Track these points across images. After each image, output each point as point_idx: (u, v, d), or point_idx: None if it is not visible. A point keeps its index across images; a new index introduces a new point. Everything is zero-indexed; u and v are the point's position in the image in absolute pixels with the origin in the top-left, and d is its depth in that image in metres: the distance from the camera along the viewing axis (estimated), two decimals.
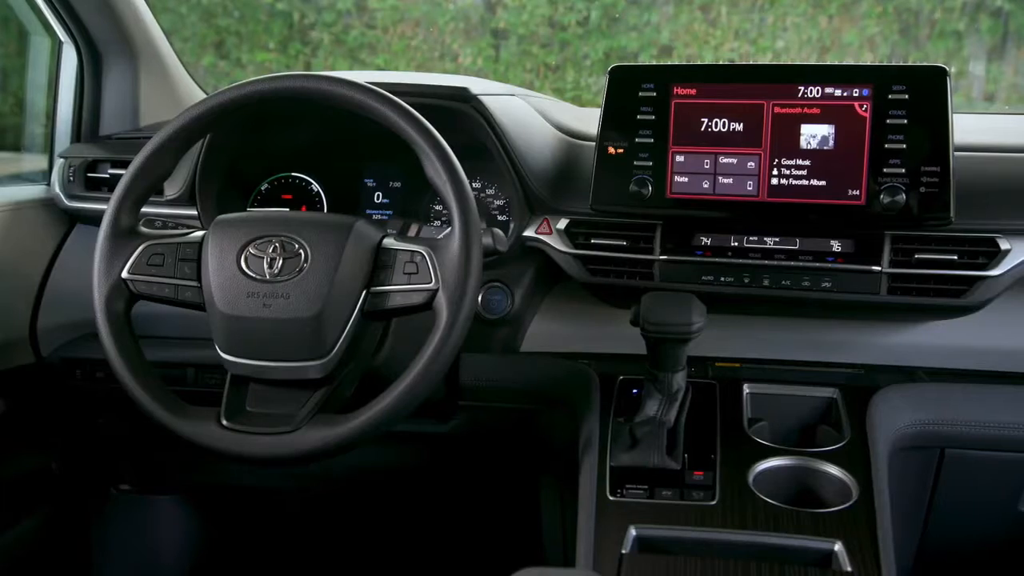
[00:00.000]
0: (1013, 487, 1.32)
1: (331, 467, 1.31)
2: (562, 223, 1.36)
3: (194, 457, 1.11)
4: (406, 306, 1.09)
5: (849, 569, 1.01)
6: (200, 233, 1.15)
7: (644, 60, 4.03)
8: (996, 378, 1.34)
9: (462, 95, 1.35)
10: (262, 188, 1.54)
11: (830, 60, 3.83)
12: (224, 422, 1.09)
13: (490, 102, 1.36)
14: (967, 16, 3.68)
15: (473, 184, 1.44)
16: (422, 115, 1.11)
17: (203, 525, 1.80)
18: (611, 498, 1.13)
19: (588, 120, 1.43)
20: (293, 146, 1.53)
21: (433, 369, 1.05)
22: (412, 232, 1.43)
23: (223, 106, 1.15)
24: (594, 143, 1.32)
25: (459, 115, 1.35)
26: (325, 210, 1.52)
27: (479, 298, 1.41)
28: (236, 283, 1.09)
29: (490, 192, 1.45)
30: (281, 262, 1.09)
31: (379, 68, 3.96)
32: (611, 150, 1.31)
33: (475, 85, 1.38)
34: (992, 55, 3.76)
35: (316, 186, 1.52)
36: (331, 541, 1.77)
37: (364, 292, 1.10)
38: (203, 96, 1.39)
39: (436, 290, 1.07)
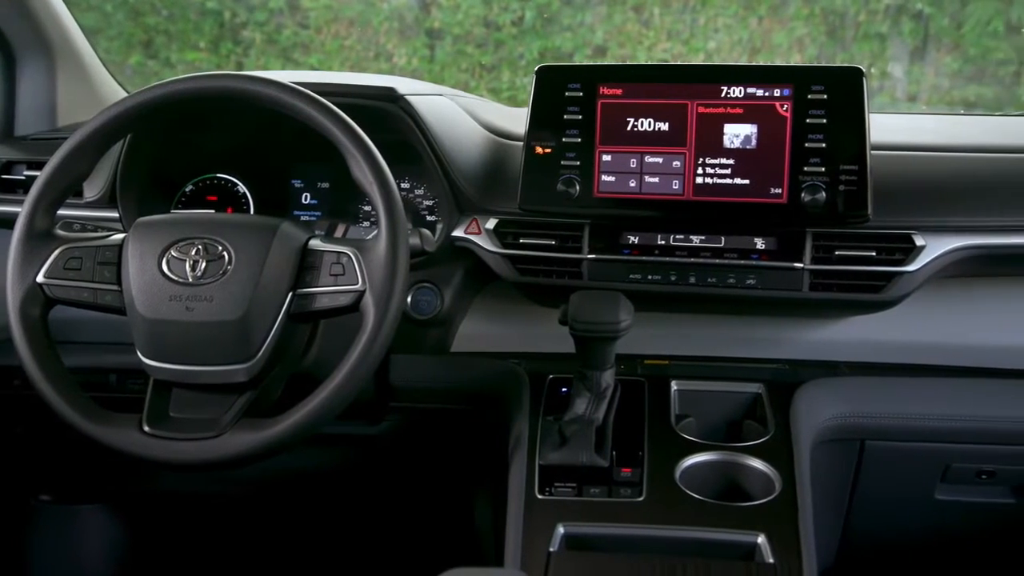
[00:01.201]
0: (930, 476, 1.36)
1: (259, 471, 1.29)
2: (491, 223, 1.36)
3: (117, 465, 1.09)
4: (333, 308, 1.09)
5: (771, 561, 1.03)
6: (120, 236, 1.12)
7: (578, 60, 4.05)
8: (914, 371, 1.38)
9: (388, 95, 1.34)
10: (187, 189, 1.51)
11: (760, 61, 3.91)
12: (146, 428, 1.07)
13: (417, 102, 1.35)
14: (890, 19, 3.77)
15: (402, 184, 1.43)
16: (348, 115, 1.11)
17: (128, 534, 1.77)
18: (540, 497, 1.14)
19: (517, 120, 1.44)
20: (219, 146, 1.51)
21: (360, 371, 1.04)
22: (339, 233, 1.42)
23: (143, 106, 1.12)
24: (522, 143, 1.33)
25: (386, 115, 1.34)
26: (252, 212, 1.49)
27: (408, 299, 1.41)
28: (158, 286, 1.07)
29: (419, 192, 1.45)
30: (204, 265, 1.08)
31: (313, 68, 3.92)
32: (538, 150, 1.32)
33: (402, 85, 1.37)
34: (914, 57, 3.86)
35: (242, 187, 1.50)
36: (261, 546, 1.75)
37: (290, 294, 1.08)
38: (125, 95, 1.36)
39: (363, 291, 1.07)
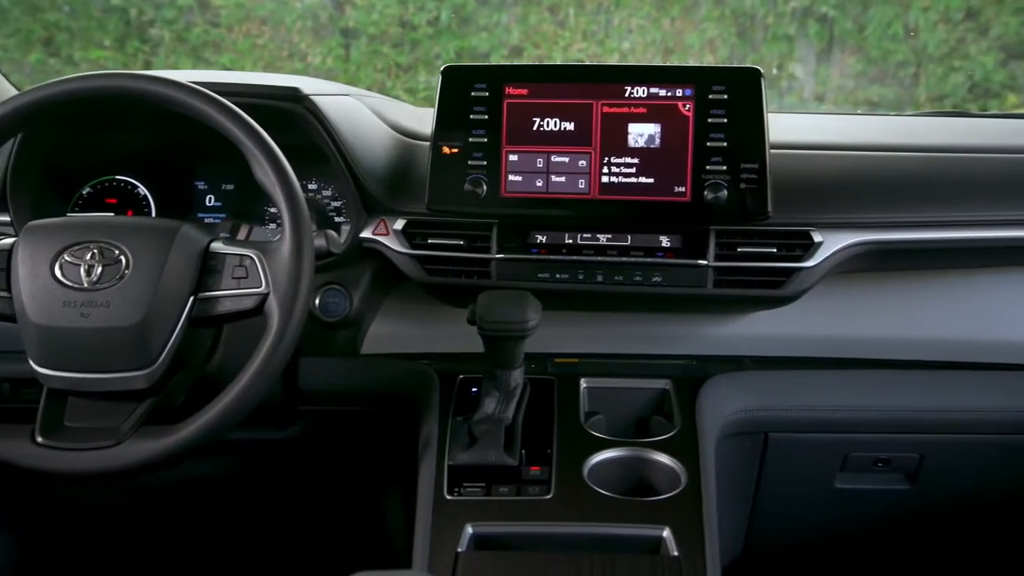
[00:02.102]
0: (830, 466, 1.40)
1: (162, 480, 1.27)
2: (399, 224, 1.36)
3: (8, 477, 1.05)
4: (236, 311, 1.07)
5: (676, 554, 1.05)
6: (10, 240, 1.09)
7: (495, 61, 4.05)
8: (815, 364, 1.42)
9: (292, 95, 1.32)
10: (84, 192, 1.46)
11: (674, 61, 3.96)
12: (39, 439, 1.04)
13: (322, 102, 1.34)
14: (797, 21, 3.86)
15: (309, 186, 1.42)
16: (251, 116, 1.09)
17: (21, 547, 1.70)
18: (448, 497, 1.13)
19: (424, 120, 1.43)
20: (119, 147, 1.47)
21: (265, 375, 1.03)
22: (242, 235, 1.40)
23: (33, 105, 1.09)
24: (429, 143, 1.32)
25: (291, 116, 1.33)
26: (153, 215, 1.46)
27: (316, 301, 1.39)
28: (50, 292, 1.04)
29: (326, 194, 1.43)
30: (100, 269, 1.05)
31: (225, 67, 3.84)
32: (445, 150, 1.32)
33: (306, 85, 1.35)
34: (820, 58, 3.97)
35: (143, 189, 1.46)
36: (166, 558, 1.70)
37: (191, 298, 1.07)
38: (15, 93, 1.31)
39: (267, 294, 1.05)
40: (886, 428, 1.34)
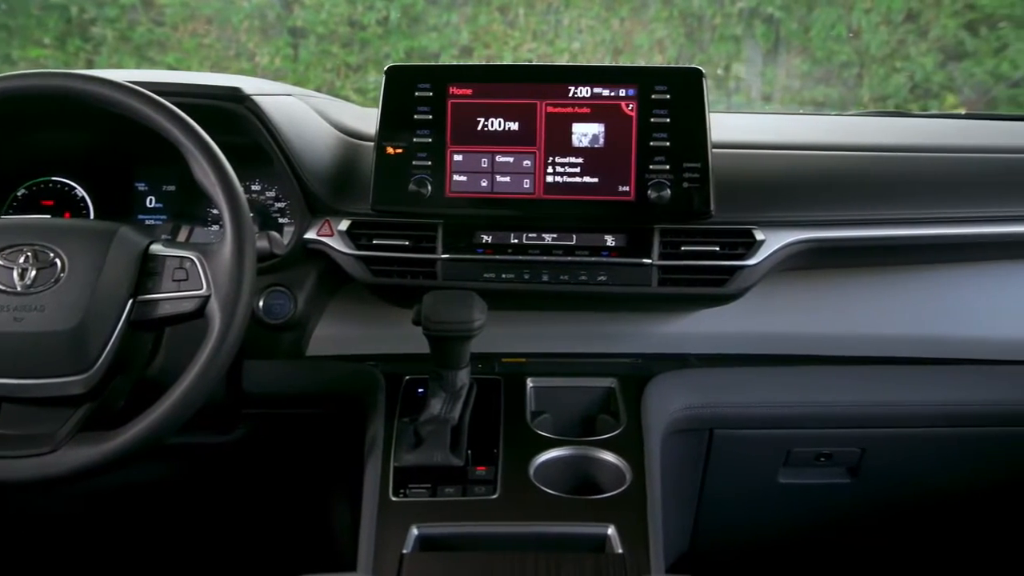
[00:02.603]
0: (774, 461, 1.41)
1: (102, 486, 1.25)
2: (344, 224, 1.35)
3: None
4: (176, 314, 1.06)
5: (620, 551, 1.05)
6: None
7: (444, 60, 4.04)
8: (759, 361, 1.44)
9: (234, 95, 1.31)
10: (18, 193, 1.43)
11: (623, 61, 3.98)
12: None
13: (265, 102, 1.32)
14: (744, 22, 3.91)
15: (252, 187, 1.40)
16: (192, 116, 1.08)
17: None
18: (394, 499, 1.13)
19: (369, 120, 1.42)
20: (56, 148, 1.44)
21: (206, 378, 1.02)
22: (183, 236, 1.38)
23: None
24: (373, 143, 1.32)
25: (233, 116, 1.31)
26: (91, 217, 1.43)
27: (260, 303, 1.38)
28: None
29: (270, 195, 1.42)
30: (34, 272, 1.03)
31: (171, 67, 3.78)
32: (389, 150, 1.31)
33: (248, 85, 1.34)
34: (767, 59, 4.02)
35: (80, 191, 1.44)
36: (107, 566, 1.67)
37: (130, 301, 1.05)
38: None
39: (208, 296, 1.04)
40: (828, 423, 1.36)
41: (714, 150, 1.30)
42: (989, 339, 1.47)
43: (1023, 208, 1.36)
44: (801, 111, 2.92)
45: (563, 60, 4.18)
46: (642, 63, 3.02)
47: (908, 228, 1.36)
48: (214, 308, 1.03)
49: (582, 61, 4.15)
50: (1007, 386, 1.40)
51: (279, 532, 1.59)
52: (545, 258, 1.32)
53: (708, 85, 1.29)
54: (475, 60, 4.03)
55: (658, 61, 4.10)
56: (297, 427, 1.42)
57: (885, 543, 1.60)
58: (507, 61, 3.82)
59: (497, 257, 1.33)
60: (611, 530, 1.08)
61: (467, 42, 4.05)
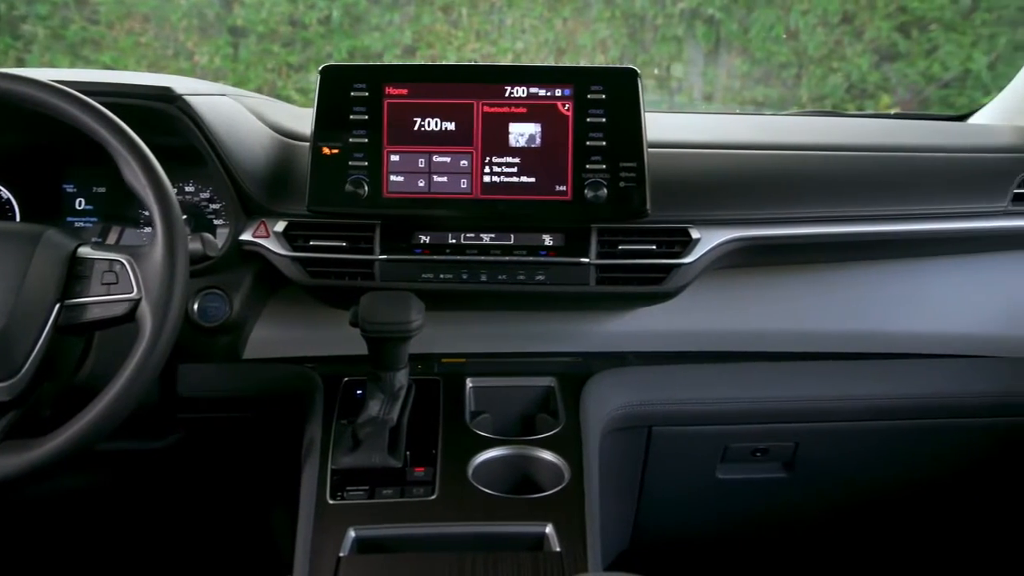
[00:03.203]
0: (712, 457, 1.43)
1: (33, 494, 1.22)
2: (280, 225, 1.33)
3: None
4: (106, 318, 1.04)
5: (558, 549, 1.06)
6: None
7: (388, 60, 4.02)
8: (696, 358, 1.45)
9: (165, 95, 1.29)
10: None
11: (566, 61, 4.00)
12: None
13: (197, 102, 1.30)
14: (685, 22, 3.95)
15: (186, 188, 1.38)
16: (123, 116, 1.06)
17: None
18: (331, 502, 1.12)
19: (305, 120, 1.41)
20: None
21: (137, 383, 1.00)
22: (113, 239, 1.35)
23: None
24: (309, 144, 1.31)
25: (164, 116, 1.29)
26: (17, 219, 1.40)
27: (194, 306, 1.36)
28: None
29: (204, 196, 1.40)
30: None
31: (107, 66, 3.71)
32: (325, 151, 1.30)
33: (180, 84, 1.32)
34: (708, 59, 4.07)
35: (6, 193, 1.40)
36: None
37: (57, 305, 1.03)
38: None
39: (139, 300, 1.03)
40: (763, 419, 1.38)
41: (650, 149, 1.31)
42: (918, 334, 1.51)
43: (947, 206, 1.40)
44: (738, 111, 2.97)
45: (507, 60, 4.18)
46: (585, 63, 3.04)
47: (840, 226, 1.39)
48: (145, 312, 1.02)
49: (525, 61, 4.16)
50: (936, 380, 1.43)
51: (217, 538, 1.57)
52: (483, 258, 1.32)
53: (643, 85, 1.30)
54: (418, 60, 4.02)
55: (601, 61, 4.12)
56: (234, 431, 1.40)
57: (821, 535, 1.63)
58: (451, 61, 3.81)
59: (435, 257, 1.32)
60: (549, 528, 1.08)
61: (410, 42, 4.04)
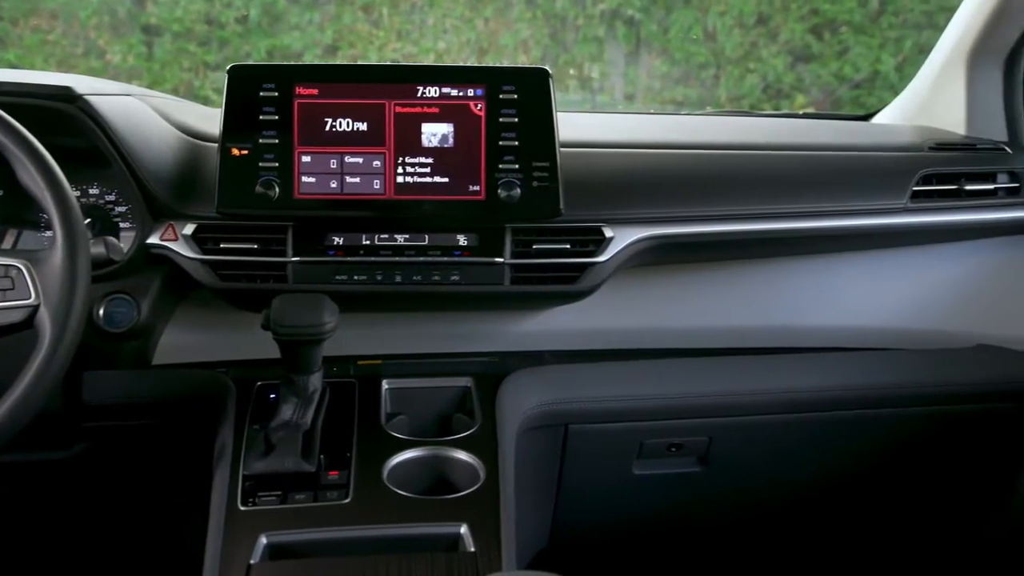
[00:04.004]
0: (628, 453, 1.45)
1: None
2: (188, 228, 1.31)
3: None
4: (2, 325, 1.00)
5: (472, 549, 1.06)
6: None
7: (308, 60, 3.98)
8: (612, 356, 1.47)
9: (64, 95, 1.25)
10: None
11: (488, 62, 4.01)
12: None
13: (100, 103, 1.27)
14: (606, 23, 3.99)
15: (90, 190, 1.34)
16: (21, 117, 1.03)
17: None
18: (242, 508, 1.10)
19: (214, 121, 1.38)
20: None
21: (36, 392, 0.97)
22: (8, 243, 1.31)
23: None
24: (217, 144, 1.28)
25: (64, 117, 1.25)
26: None
27: (100, 311, 1.32)
28: None
29: (109, 199, 1.36)
30: None
31: (12, 65, 3.59)
32: (235, 151, 1.28)
33: (81, 84, 1.28)
34: (629, 59, 4.11)
35: None
36: None
37: None
38: None
39: (37, 306, 1.00)
40: (678, 414, 1.40)
41: (564, 149, 1.32)
42: (828, 328, 1.55)
43: (852, 203, 1.44)
44: (653, 111, 3.01)
45: (429, 60, 4.17)
46: (507, 63, 3.05)
47: (750, 223, 1.41)
48: (44, 318, 0.99)
49: (448, 61, 4.15)
50: (844, 372, 1.47)
51: (128, 549, 1.53)
52: (397, 259, 1.31)
53: (555, 85, 1.31)
54: (340, 60, 3.98)
55: (523, 61, 4.14)
56: (142, 439, 1.37)
57: (737, 527, 1.67)
58: (372, 61, 3.79)
59: (349, 259, 1.31)
60: (463, 529, 1.08)
61: (331, 42, 4.00)
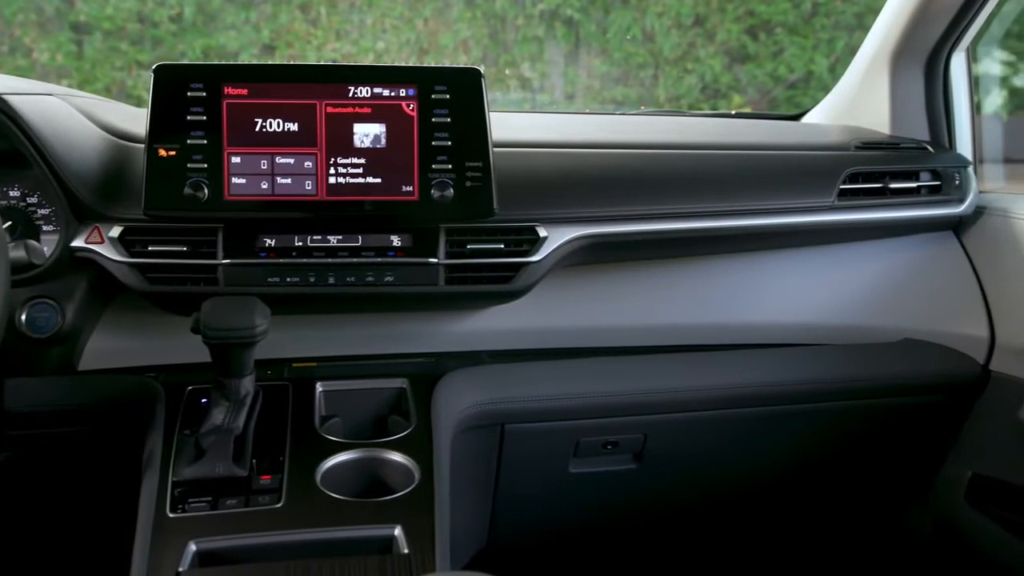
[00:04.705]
0: (564, 452, 1.45)
1: None
2: (115, 231, 1.28)
3: None
4: None
5: (406, 551, 1.05)
6: None
7: (245, 59, 3.92)
8: (548, 355, 1.47)
9: None
10: None
11: (429, 62, 4.00)
12: None
13: (17, 102, 1.23)
14: (545, 23, 4.01)
15: (11, 192, 1.31)
16: None
17: None
18: (171, 515, 1.08)
19: (141, 121, 1.36)
20: None
21: None
22: None
23: None
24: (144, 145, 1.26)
25: None
26: None
27: (22, 316, 1.28)
28: None
29: (32, 201, 1.32)
30: None
31: None
32: (162, 152, 1.25)
33: None
34: (569, 59, 4.14)
35: None
36: None
37: None
38: None
39: None
40: (613, 412, 1.41)
41: (497, 149, 1.32)
42: (760, 325, 1.57)
43: (782, 202, 1.46)
44: (588, 110, 3.03)
45: (368, 60, 4.14)
46: (448, 63, 3.04)
47: (683, 222, 1.43)
48: None
49: (387, 61, 4.13)
50: (775, 368, 1.49)
51: (55, 560, 1.49)
52: (331, 260, 1.30)
53: (487, 85, 1.31)
54: (277, 59, 3.94)
55: (463, 61, 4.14)
56: (69, 447, 1.34)
57: (672, 523, 1.68)
58: (311, 60, 3.75)
59: (281, 260, 1.29)
60: (398, 531, 1.07)
61: (268, 41, 3.95)
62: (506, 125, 1.50)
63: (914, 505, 1.69)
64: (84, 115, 1.35)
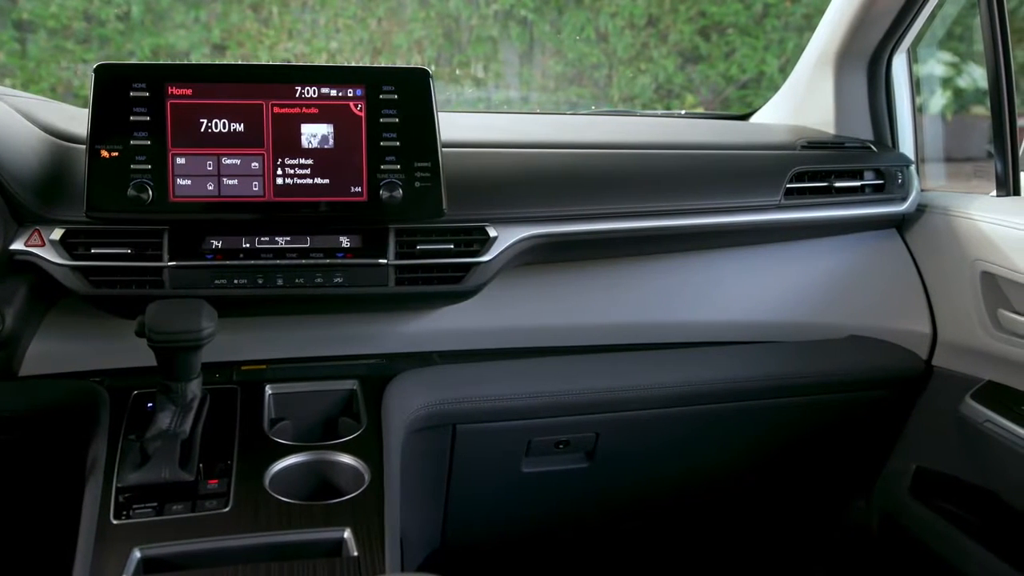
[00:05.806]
0: (516, 452, 1.46)
1: None
2: (56, 233, 1.25)
3: None
4: None
5: (356, 554, 1.04)
6: None
7: (195, 59, 3.87)
8: (500, 355, 1.47)
9: None
10: None
11: (382, 62, 3.98)
12: None
13: None
14: (499, 23, 4.01)
15: None
16: None
17: None
18: (115, 521, 1.06)
19: (83, 121, 1.33)
20: None
21: None
22: None
23: None
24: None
25: None
26: None
27: None
28: None
29: None
30: None
31: None
32: (104, 153, 1.23)
33: None
34: (523, 59, 4.14)
35: None
36: None
37: None
38: None
39: None
40: (565, 411, 1.42)
41: (447, 149, 1.31)
42: (710, 323, 1.59)
43: (730, 200, 1.48)
44: (539, 110, 3.03)
45: (321, 60, 4.11)
46: (401, 63, 3.02)
47: (633, 221, 1.44)
48: None
49: (340, 61, 4.10)
50: (725, 366, 1.51)
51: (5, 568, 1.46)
52: (279, 262, 1.29)
53: (435, 85, 1.30)
54: (228, 59, 3.89)
55: (417, 61, 4.13)
56: (9, 453, 1.31)
57: (623, 521, 1.69)
58: (263, 60, 3.71)
59: (228, 262, 1.28)
60: (347, 533, 1.07)
61: (219, 40, 3.91)
62: (456, 125, 1.50)
63: (859, 499, 1.72)
64: (23, 115, 1.32)
